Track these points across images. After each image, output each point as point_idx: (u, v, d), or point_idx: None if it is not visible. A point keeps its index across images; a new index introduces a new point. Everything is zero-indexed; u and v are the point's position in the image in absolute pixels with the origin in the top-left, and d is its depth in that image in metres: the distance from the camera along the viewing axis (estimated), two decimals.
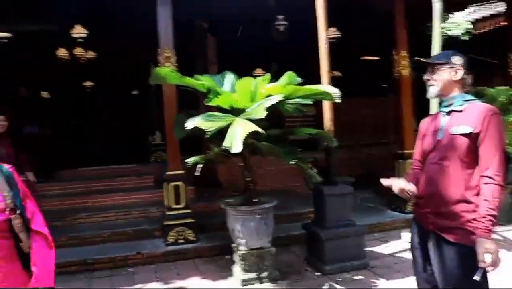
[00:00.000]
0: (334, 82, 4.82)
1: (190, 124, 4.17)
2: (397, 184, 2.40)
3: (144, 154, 8.22)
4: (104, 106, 11.54)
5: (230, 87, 4.66)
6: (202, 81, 4.42)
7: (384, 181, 2.46)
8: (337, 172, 4.95)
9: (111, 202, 6.74)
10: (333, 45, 5.48)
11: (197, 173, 4.51)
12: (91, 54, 10.07)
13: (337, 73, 8.94)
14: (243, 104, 4.26)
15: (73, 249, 5.35)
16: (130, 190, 7.06)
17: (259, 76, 4.60)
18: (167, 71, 4.44)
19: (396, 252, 5.09)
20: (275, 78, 4.43)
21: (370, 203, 7.26)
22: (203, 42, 7.45)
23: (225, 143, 3.78)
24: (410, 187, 2.39)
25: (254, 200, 4.59)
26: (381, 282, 4.24)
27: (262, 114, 3.90)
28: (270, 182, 7.34)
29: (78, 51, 9.88)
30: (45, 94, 12.00)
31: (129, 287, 4.44)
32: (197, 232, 5.52)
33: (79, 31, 8.18)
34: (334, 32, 8.03)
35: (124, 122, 10.77)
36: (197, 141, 5.23)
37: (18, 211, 1.93)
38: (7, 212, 1.90)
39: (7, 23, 7.77)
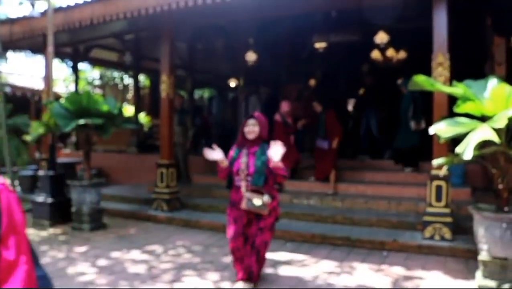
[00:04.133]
0: None
1: (432, 129, 4.53)
2: None
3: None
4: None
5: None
6: (456, 88, 4.62)
7: None
8: None
9: (387, 193, 7.47)
10: None
11: (442, 173, 4.72)
12: (401, 55, 11.00)
13: None
14: (493, 112, 4.25)
15: (343, 227, 6.44)
16: (409, 184, 7.60)
17: None
18: (422, 78, 4.83)
19: None
20: None
21: None
22: (488, 41, 7.14)
23: (458, 149, 4.00)
24: None
25: (505, 208, 4.50)
26: None
27: (501, 123, 3.89)
28: None
29: (391, 52, 10.97)
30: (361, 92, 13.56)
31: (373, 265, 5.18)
32: (454, 232, 5.67)
33: (381, 38, 9.20)
34: None
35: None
36: None
37: None
38: None
39: (323, 36, 9.55)
